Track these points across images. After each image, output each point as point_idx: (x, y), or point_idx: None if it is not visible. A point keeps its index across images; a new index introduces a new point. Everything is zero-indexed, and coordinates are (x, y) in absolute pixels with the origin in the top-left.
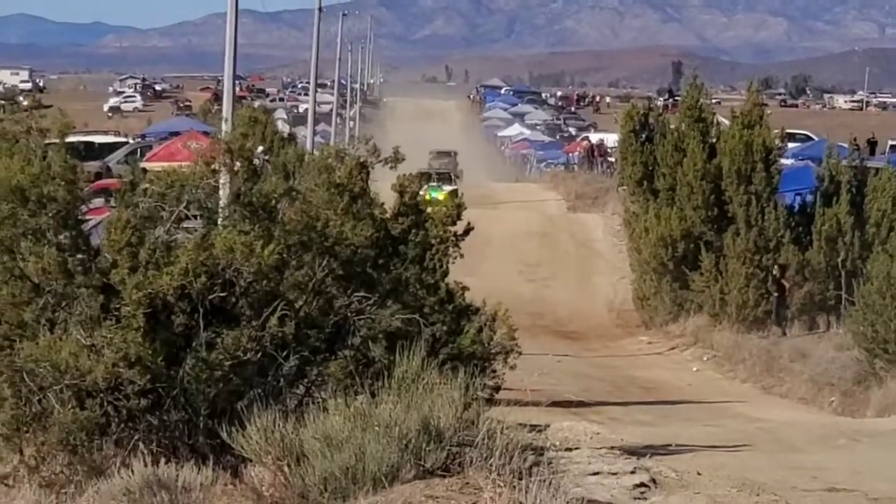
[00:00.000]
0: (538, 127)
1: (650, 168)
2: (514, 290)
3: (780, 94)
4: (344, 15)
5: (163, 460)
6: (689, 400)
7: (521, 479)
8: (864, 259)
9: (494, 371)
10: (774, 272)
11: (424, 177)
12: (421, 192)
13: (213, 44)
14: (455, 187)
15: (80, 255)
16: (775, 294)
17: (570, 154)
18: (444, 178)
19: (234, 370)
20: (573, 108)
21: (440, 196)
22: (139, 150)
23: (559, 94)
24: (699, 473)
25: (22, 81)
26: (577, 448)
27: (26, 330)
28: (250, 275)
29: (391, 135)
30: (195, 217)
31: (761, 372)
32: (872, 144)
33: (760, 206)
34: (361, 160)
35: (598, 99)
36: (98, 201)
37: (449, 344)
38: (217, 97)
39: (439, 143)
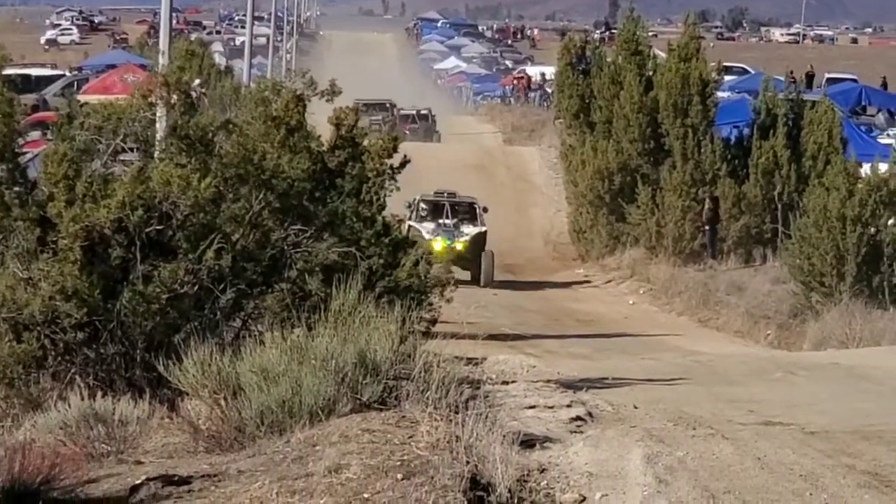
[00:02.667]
0: (474, 60)
1: (587, 101)
2: None
3: (716, 27)
4: None
5: (99, 394)
6: (626, 333)
7: (457, 412)
8: (801, 192)
9: (431, 304)
10: (707, 205)
11: (416, 208)
12: (434, 240)
13: None
14: (482, 229)
15: (16, 188)
16: (707, 227)
17: (506, 87)
18: (464, 213)
19: (171, 303)
20: (510, 42)
21: (459, 246)
22: (76, 83)
23: (496, 27)
24: (635, 407)
25: None
26: (513, 381)
27: None
28: (187, 208)
29: (328, 68)
30: (132, 150)
31: (697, 305)
32: (810, 77)
33: (697, 139)
34: (298, 93)
35: (533, 33)
36: (35, 134)
37: (385, 277)
38: (154, 30)
39: (377, 76)
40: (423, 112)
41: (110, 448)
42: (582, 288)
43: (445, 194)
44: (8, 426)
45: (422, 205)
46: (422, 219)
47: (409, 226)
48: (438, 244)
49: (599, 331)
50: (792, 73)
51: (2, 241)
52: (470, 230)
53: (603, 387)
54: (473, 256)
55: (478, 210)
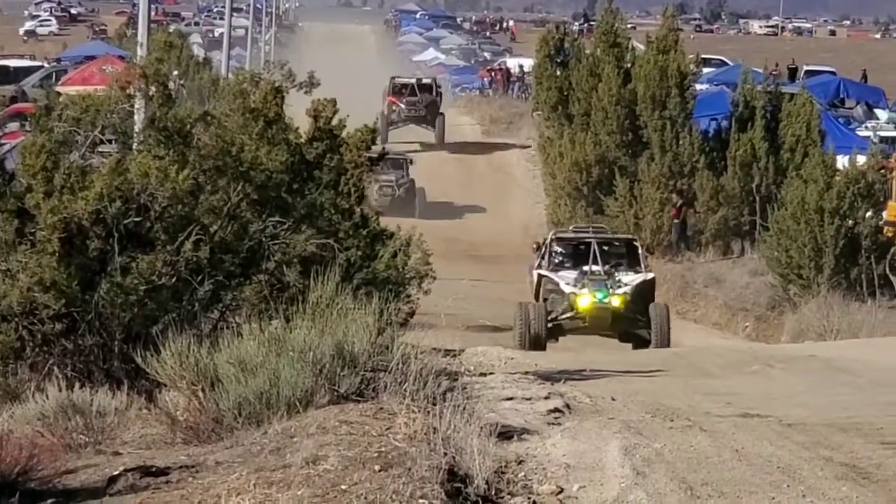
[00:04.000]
0: (453, 52)
1: (565, 93)
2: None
3: (695, 19)
4: None
5: (77, 385)
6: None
7: (434, 404)
8: (779, 184)
9: (409, 296)
10: (674, 199)
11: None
12: (578, 293)
13: None
14: (648, 276)
15: None
16: (675, 220)
17: (483, 79)
18: (619, 255)
19: (149, 295)
20: (488, 33)
21: (617, 301)
22: (54, 74)
23: (474, 18)
24: (613, 399)
25: None
26: (491, 373)
27: None
28: (165, 199)
29: (306, 59)
30: (110, 141)
31: (675, 297)
32: (792, 70)
33: (675, 131)
34: (276, 85)
35: (509, 25)
36: (13, 125)
37: (363, 269)
38: (132, 21)
39: (356, 68)
40: (425, 83)
41: (88, 439)
42: None
43: (591, 230)
44: None
45: (556, 246)
46: (558, 265)
47: (541, 276)
48: (586, 299)
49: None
50: (777, 65)
51: None
52: (630, 278)
53: (581, 379)
54: (636, 313)
55: (640, 251)
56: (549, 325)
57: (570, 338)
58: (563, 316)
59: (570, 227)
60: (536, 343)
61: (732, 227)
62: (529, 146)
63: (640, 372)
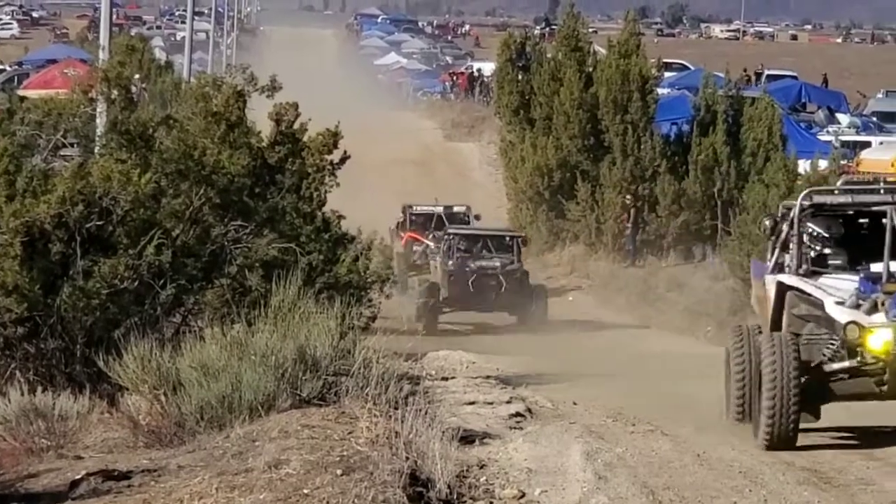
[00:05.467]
0: (415, 55)
1: (527, 97)
2: (392, 219)
3: (656, 24)
4: None
5: (39, 389)
6: (565, 330)
7: (396, 408)
8: (740, 189)
9: (371, 300)
10: (627, 203)
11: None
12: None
13: None
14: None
15: None
16: (628, 224)
17: (445, 83)
18: None
19: (111, 299)
20: (450, 37)
21: None
22: (16, 77)
23: (436, 22)
24: (575, 403)
25: None
26: (452, 378)
27: None
28: (127, 203)
29: (268, 63)
30: (72, 145)
31: (637, 301)
32: (759, 75)
33: (637, 135)
34: (238, 88)
35: (468, 29)
36: None
37: (325, 273)
38: (94, 25)
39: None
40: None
41: (50, 443)
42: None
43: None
44: None
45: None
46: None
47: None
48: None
49: (539, 327)
50: (745, 70)
51: None
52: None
53: (542, 383)
54: None
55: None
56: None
57: (530, 341)
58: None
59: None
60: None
61: (694, 231)
62: (491, 150)
63: (601, 376)
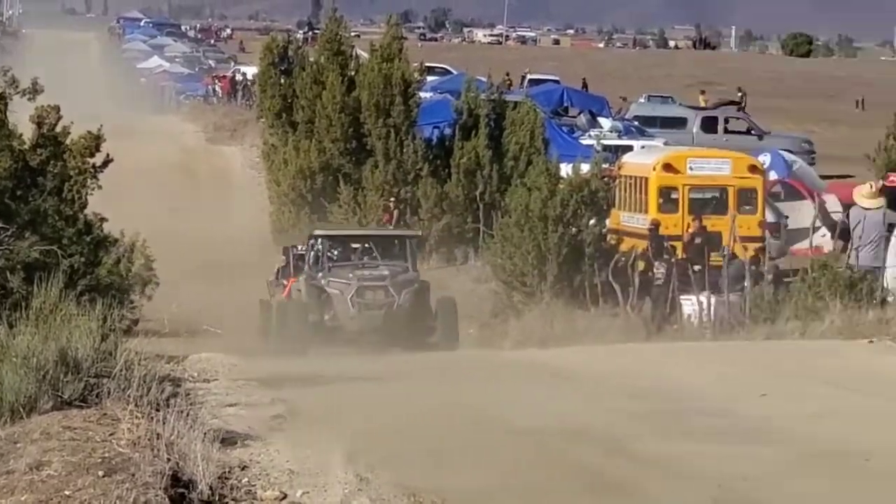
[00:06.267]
0: (177, 59)
1: (289, 101)
2: (155, 222)
3: (419, 28)
4: None
5: None
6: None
7: (158, 410)
8: (503, 192)
9: (132, 302)
10: (390, 204)
11: None
12: None
13: None
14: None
15: None
16: (389, 226)
17: (208, 86)
18: None
19: None
20: (213, 41)
21: None
22: None
23: (199, 26)
24: (338, 405)
25: None
26: (214, 379)
27: None
28: None
29: (30, 66)
30: None
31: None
32: (522, 79)
33: (399, 138)
34: None
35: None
36: None
37: (87, 275)
38: None
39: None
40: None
41: None
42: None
43: None
44: None
45: None
46: None
47: None
48: None
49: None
50: (507, 74)
51: None
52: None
53: (305, 385)
54: None
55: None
56: None
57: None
58: None
59: None
60: None
61: (456, 234)
62: (254, 153)
63: (364, 378)
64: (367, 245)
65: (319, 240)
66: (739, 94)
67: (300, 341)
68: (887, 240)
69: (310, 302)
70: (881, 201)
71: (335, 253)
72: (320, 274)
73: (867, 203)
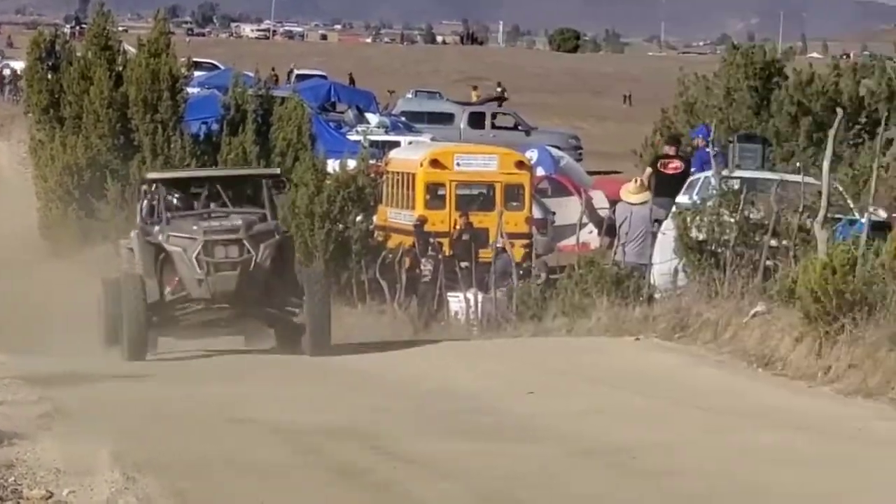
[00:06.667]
0: None
1: (56, 96)
2: None
3: (187, 23)
4: None
5: None
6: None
7: None
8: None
9: None
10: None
11: None
12: None
13: None
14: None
15: None
16: None
17: None
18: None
19: None
20: None
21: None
22: None
23: None
24: (107, 404)
25: None
26: None
27: None
28: None
29: None
30: None
31: None
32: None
33: (166, 134)
34: None
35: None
36: None
37: None
38: None
39: None
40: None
41: None
42: (62, 283)
43: None
44: None
45: None
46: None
47: None
48: None
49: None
50: (273, 69)
51: None
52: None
53: (72, 383)
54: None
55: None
56: None
57: (70, 342)
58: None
59: None
60: None
61: None
62: (21, 149)
63: (136, 376)
64: (213, 190)
65: (154, 185)
66: (499, 89)
67: (137, 332)
68: (654, 236)
69: (144, 265)
70: (646, 196)
71: (175, 202)
72: (157, 228)
73: (633, 199)
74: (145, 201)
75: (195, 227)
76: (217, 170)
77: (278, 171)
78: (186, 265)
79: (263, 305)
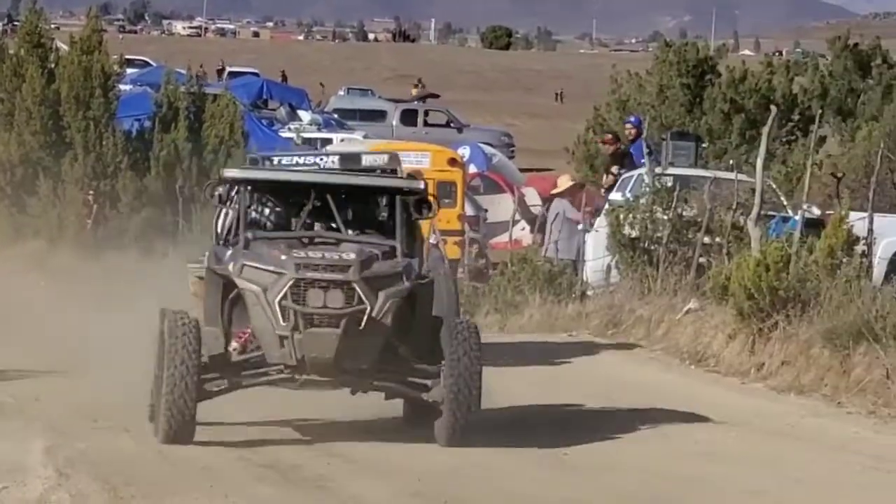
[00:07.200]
0: None
1: None
2: None
3: (119, 20)
4: None
5: None
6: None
7: None
8: (202, 185)
9: None
10: (88, 196)
11: None
12: None
13: None
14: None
15: None
16: (88, 221)
17: None
18: None
19: None
20: None
21: None
22: None
23: None
24: (37, 399)
25: None
26: None
27: None
28: None
29: None
30: None
31: (103, 295)
32: (221, 72)
33: (99, 131)
34: None
35: None
36: None
37: None
38: None
39: None
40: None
41: None
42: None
43: None
44: None
45: None
46: None
47: None
48: None
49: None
50: (201, 66)
51: None
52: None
53: (4, 379)
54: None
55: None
56: None
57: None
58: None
59: None
60: None
61: (156, 227)
62: None
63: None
64: (322, 202)
65: (236, 188)
66: (419, 85)
67: (181, 404)
68: (586, 232)
69: (207, 304)
70: (567, 182)
71: (265, 214)
72: (229, 252)
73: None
74: (223, 211)
75: (284, 258)
76: (330, 172)
77: (422, 185)
78: (264, 312)
79: (377, 378)
